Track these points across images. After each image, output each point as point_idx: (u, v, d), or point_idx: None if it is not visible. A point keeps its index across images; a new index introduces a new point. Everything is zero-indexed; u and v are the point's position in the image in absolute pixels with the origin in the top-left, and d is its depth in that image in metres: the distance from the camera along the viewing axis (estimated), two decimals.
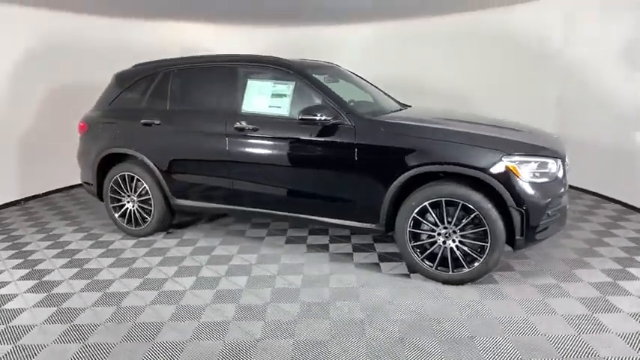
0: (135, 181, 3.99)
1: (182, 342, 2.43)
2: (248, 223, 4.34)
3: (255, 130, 3.42)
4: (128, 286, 3.12)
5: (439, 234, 2.97)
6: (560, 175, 2.87)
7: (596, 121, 4.90)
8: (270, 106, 3.46)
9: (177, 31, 6.67)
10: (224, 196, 3.68)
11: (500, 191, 2.75)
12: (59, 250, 3.81)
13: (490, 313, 2.65)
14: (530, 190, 2.75)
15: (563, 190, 2.89)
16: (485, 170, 2.76)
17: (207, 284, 3.11)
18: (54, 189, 5.82)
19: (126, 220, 4.11)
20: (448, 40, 6.26)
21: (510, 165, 2.75)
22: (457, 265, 2.95)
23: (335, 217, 3.30)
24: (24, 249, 3.87)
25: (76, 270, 3.40)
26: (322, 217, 3.35)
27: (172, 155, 3.79)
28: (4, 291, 3.08)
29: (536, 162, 2.80)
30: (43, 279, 3.26)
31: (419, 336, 2.44)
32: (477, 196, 2.80)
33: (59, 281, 3.21)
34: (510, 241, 2.86)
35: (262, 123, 3.42)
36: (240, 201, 3.63)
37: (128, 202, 4.08)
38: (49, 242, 4.02)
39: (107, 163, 4.10)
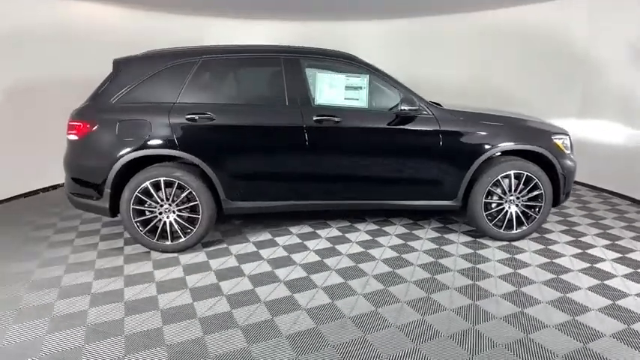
0: (174, 187, 3.41)
1: None
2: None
3: (337, 122, 3.44)
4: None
5: (506, 201, 3.66)
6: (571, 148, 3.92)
7: (616, 118, 5.12)
8: (345, 99, 3.52)
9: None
10: (299, 191, 3.55)
11: (554, 162, 3.61)
12: None
13: (559, 253, 3.49)
14: (567, 160, 3.70)
15: (574, 158, 3.93)
16: (546, 147, 3.60)
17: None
18: None
19: (157, 236, 3.46)
20: (466, 39, 6.49)
21: (556, 142, 3.65)
22: (518, 224, 3.69)
23: (420, 199, 3.66)
24: None
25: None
26: (408, 200, 3.66)
27: (233, 153, 3.43)
28: None
29: (563, 139, 3.77)
30: None
31: (539, 277, 3.09)
32: (534, 167, 3.59)
33: None
34: (554, 200, 3.74)
35: (343, 115, 3.47)
36: (318, 195, 3.58)
37: (161, 212, 3.45)
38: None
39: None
